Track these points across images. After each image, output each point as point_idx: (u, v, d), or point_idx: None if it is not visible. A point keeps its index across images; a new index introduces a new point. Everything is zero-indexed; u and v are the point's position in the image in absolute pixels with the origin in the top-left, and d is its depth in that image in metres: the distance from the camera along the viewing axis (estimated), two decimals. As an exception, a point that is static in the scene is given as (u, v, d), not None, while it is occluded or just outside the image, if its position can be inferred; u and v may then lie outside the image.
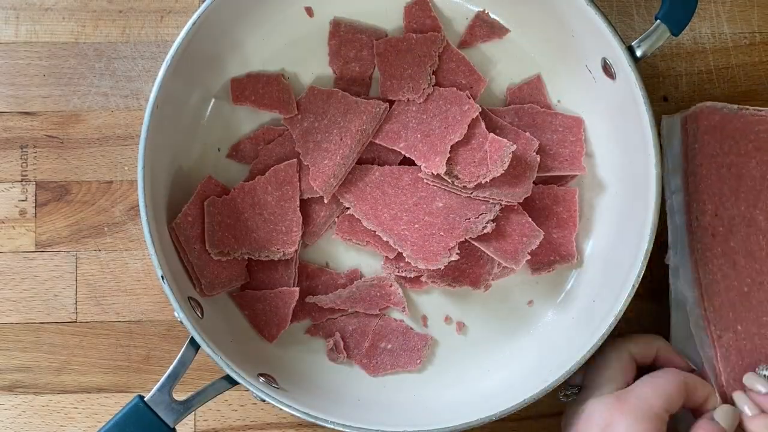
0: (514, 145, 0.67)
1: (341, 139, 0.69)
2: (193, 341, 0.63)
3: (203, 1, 0.64)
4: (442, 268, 0.67)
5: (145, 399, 0.63)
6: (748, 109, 0.69)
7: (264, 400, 0.63)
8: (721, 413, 0.64)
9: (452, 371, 0.71)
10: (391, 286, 0.70)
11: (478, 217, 0.68)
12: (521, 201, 0.68)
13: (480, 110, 0.69)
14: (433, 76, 0.71)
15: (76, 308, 0.72)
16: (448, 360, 0.71)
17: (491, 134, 0.68)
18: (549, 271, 0.70)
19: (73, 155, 0.73)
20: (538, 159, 0.69)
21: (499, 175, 0.67)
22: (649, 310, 0.73)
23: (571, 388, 0.68)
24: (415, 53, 0.70)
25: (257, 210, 0.69)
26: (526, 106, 0.71)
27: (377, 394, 0.70)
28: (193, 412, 0.65)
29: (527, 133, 0.70)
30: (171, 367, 0.63)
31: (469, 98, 0.69)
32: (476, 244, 0.67)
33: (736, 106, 0.69)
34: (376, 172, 0.69)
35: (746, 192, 0.69)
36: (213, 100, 0.71)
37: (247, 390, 0.63)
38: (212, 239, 0.68)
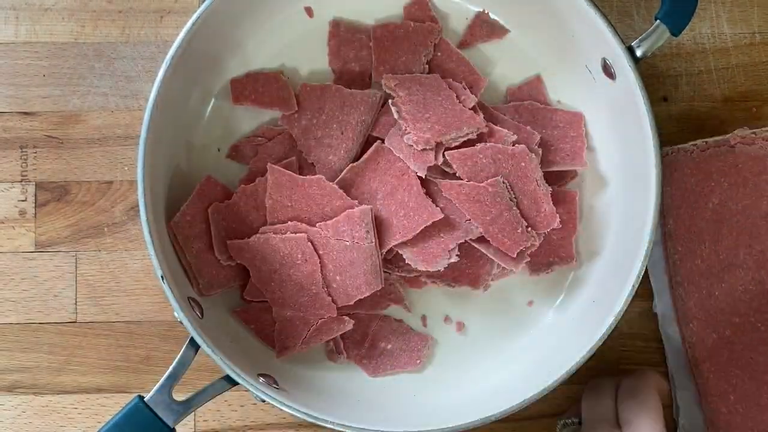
0: (515, 135, 0.67)
1: (342, 133, 0.69)
2: (192, 341, 0.63)
3: (203, 2, 0.64)
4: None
5: (145, 399, 0.63)
6: (707, 141, 0.70)
7: (264, 401, 0.63)
8: None
9: (452, 371, 0.71)
10: (390, 284, 0.70)
11: (478, 218, 0.68)
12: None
13: (477, 101, 0.69)
14: (427, 66, 0.71)
15: (76, 308, 0.72)
16: (447, 360, 0.71)
17: (490, 124, 0.68)
18: (548, 272, 0.70)
19: (73, 155, 0.73)
20: (540, 152, 0.69)
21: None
22: (649, 310, 0.73)
23: (570, 419, 0.68)
24: (411, 41, 0.70)
25: (261, 212, 0.69)
26: (525, 103, 0.71)
27: (377, 394, 0.70)
28: (193, 413, 0.65)
29: (528, 128, 0.70)
30: (171, 367, 0.63)
31: (466, 89, 0.69)
32: (476, 245, 0.67)
33: (703, 141, 0.70)
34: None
35: (728, 234, 0.70)
36: (213, 100, 0.71)
37: (247, 390, 0.63)
38: (220, 246, 0.68)
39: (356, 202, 0.68)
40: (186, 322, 0.62)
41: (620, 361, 0.73)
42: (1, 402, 0.72)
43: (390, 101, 0.68)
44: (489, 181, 0.66)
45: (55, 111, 0.73)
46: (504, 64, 0.72)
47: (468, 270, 0.70)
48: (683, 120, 0.74)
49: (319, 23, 0.71)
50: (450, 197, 0.67)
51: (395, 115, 0.67)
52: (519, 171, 0.67)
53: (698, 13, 0.73)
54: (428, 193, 0.67)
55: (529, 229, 0.67)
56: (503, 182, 0.67)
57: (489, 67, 0.72)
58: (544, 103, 0.71)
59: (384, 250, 0.67)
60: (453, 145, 0.67)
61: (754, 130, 0.70)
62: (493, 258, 0.67)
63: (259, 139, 0.71)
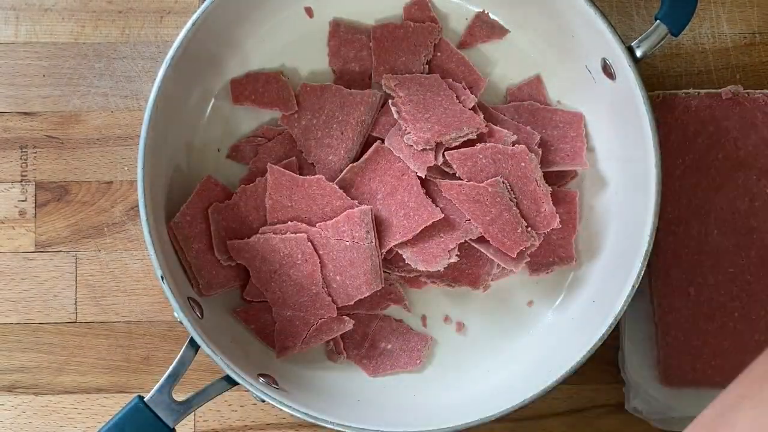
0: (515, 135, 0.67)
1: (342, 133, 0.69)
2: (192, 341, 0.63)
3: (203, 2, 0.65)
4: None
5: (145, 399, 0.63)
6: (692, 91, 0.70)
7: (264, 401, 0.63)
8: None
9: (452, 371, 0.71)
10: (390, 284, 0.70)
11: (477, 218, 0.68)
12: (521, 201, 0.68)
13: (477, 101, 0.69)
14: (427, 66, 0.71)
15: (76, 308, 0.72)
16: (447, 360, 0.71)
17: (490, 124, 0.68)
18: (548, 273, 0.70)
19: (73, 155, 0.73)
20: (540, 152, 0.69)
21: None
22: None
23: None
24: (411, 41, 0.70)
25: (261, 212, 0.69)
26: (525, 103, 0.71)
27: (377, 394, 0.70)
28: (193, 413, 0.65)
29: (528, 128, 0.70)
30: (171, 367, 0.63)
31: (466, 89, 0.69)
32: (476, 245, 0.67)
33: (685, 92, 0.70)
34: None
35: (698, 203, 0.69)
36: (213, 100, 0.71)
37: (247, 390, 0.63)
38: (220, 246, 0.68)
39: (356, 202, 0.68)
40: (186, 322, 0.63)
41: (620, 361, 0.73)
42: (1, 402, 0.72)
43: (390, 101, 0.68)
44: (489, 181, 0.66)
45: (55, 111, 0.73)
46: (504, 64, 0.72)
47: (468, 270, 0.70)
48: (683, 120, 0.74)
49: (319, 23, 0.72)
50: (450, 197, 0.67)
51: (395, 115, 0.67)
52: (519, 171, 0.67)
53: (698, 13, 0.72)
54: (428, 193, 0.68)
55: (529, 229, 0.67)
56: (503, 182, 0.67)
57: (489, 67, 0.72)
58: (544, 103, 0.72)
59: (384, 250, 0.67)
60: (453, 145, 0.67)
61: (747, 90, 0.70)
62: (493, 258, 0.67)
63: (259, 139, 0.71)
